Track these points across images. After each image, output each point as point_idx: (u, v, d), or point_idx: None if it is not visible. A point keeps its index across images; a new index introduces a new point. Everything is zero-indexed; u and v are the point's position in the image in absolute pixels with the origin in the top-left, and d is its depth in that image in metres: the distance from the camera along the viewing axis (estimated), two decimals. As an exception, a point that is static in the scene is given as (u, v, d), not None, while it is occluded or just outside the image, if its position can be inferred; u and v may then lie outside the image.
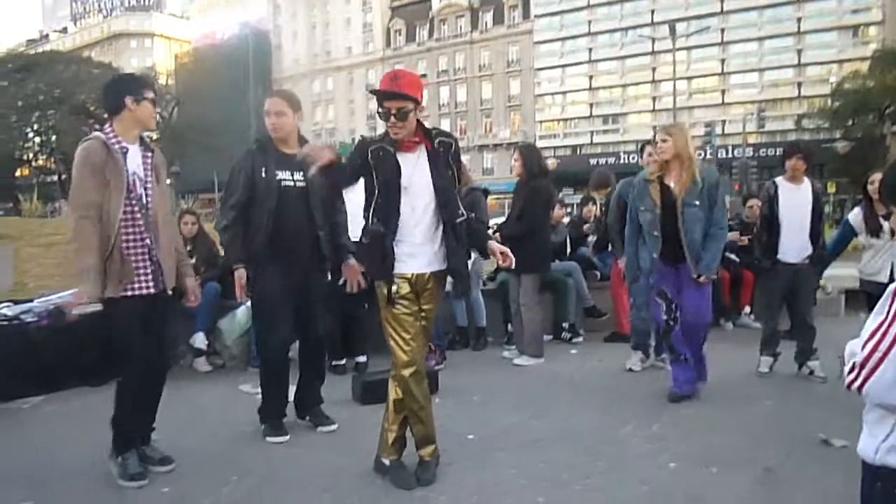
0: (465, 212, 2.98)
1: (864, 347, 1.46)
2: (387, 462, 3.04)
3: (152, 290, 3.03)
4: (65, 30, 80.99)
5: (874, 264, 4.59)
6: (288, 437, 3.58)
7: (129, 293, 2.96)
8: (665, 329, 4.30)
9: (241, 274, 3.56)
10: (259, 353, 3.75)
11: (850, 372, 1.49)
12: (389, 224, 2.86)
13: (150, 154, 3.13)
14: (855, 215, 4.75)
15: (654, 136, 4.50)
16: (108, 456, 3.07)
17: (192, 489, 2.93)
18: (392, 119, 2.82)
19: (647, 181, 4.30)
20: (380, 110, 2.83)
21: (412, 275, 2.91)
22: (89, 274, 2.90)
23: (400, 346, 2.92)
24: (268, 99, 3.68)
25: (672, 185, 4.20)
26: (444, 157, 2.93)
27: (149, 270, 3.03)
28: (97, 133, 3.05)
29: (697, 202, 4.13)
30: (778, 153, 4.84)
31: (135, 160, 3.05)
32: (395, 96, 2.80)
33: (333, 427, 3.75)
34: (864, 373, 1.45)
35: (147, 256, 3.03)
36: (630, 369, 4.98)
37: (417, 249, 2.91)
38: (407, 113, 2.81)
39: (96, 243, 2.92)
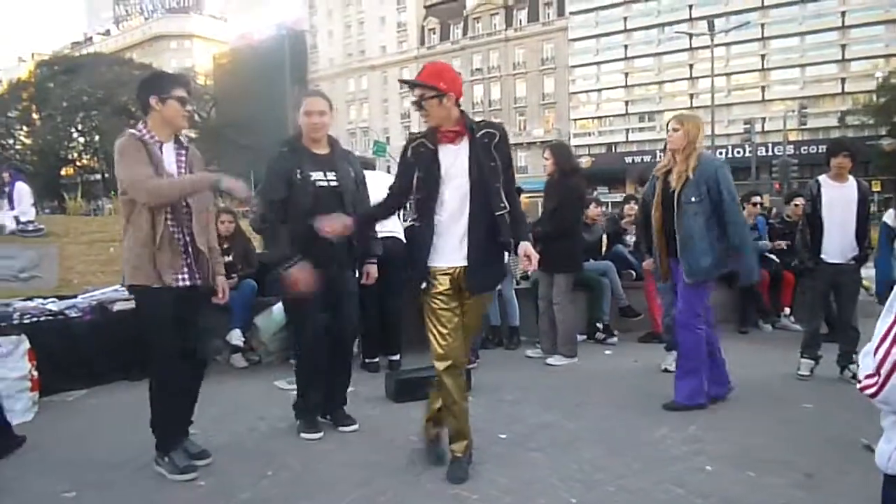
0: (506, 204, 2.94)
1: (876, 352, 1.37)
2: (421, 445, 3.23)
3: (188, 283, 3.07)
4: (107, 32, 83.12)
5: None
6: (322, 434, 3.61)
7: (166, 285, 2.98)
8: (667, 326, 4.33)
9: (296, 272, 3.46)
10: (295, 347, 3.79)
11: (865, 378, 1.40)
12: (426, 217, 2.91)
13: (184, 151, 3.16)
14: (889, 216, 4.66)
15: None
16: (155, 459, 3.11)
17: (228, 483, 2.98)
18: (416, 107, 2.96)
19: (655, 176, 4.24)
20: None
21: (453, 269, 2.92)
22: (191, 183, 3.05)
23: (436, 339, 2.94)
24: (308, 98, 3.69)
25: (672, 180, 4.06)
26: (487, 147, 2.91)
27: (184, 264, 3.07)
28: (131, 130, 3.07)
29: (694, 198, 3.92)
30: (820, 151, 4.76)
31: (169, 157, 3.08)
32: (415, 84, 2.92)
33: (355, 427, 3.75)
34: (879, 379, 1.37)
35: (183, 251, 3.06)
36: (666, 370, 4.84)
37: (458, 243, 2.91)
38: (429, 100, 2.87)
39: (161, 180, 2.95)
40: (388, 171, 5.63)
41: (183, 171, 3.12)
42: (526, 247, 2.94)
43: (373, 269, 4.03)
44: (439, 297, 2.91)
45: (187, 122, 3.22)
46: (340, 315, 3.69)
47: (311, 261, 3.51)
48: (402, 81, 2.95)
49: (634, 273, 6.59)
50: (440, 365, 2.96)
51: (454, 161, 2.90)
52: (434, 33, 58.93)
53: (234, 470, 3.14)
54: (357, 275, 3.99)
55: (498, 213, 2.91)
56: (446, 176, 2.89)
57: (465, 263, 2.91)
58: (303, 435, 3.61)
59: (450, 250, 2.91)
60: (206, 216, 3.24)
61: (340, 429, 3.75)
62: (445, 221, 2.91)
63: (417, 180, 2.95)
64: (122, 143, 3.00)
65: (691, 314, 4.02)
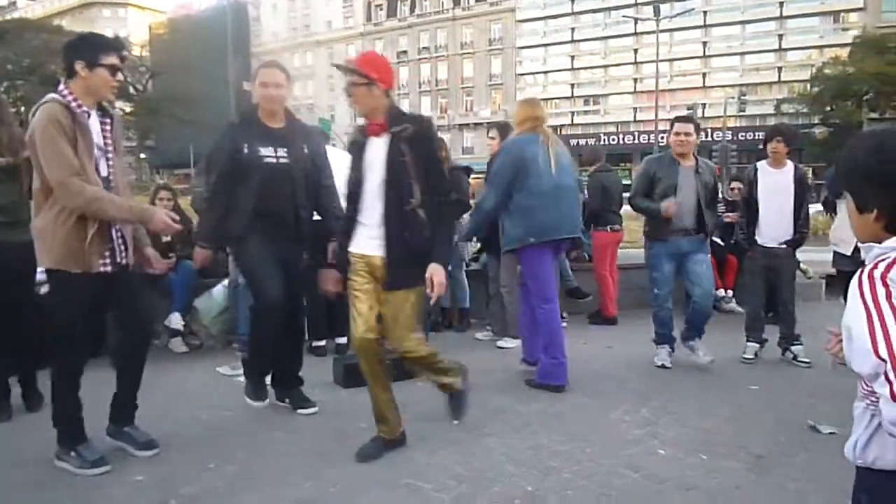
0: (417, 200, 2.86)
1: (876, 352, 1.16)
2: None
3: (109, 269, 2.86)
4: (35, -3, 78.60)
5: (839, 234, 4.81)
6: (266, 402, 3.56)
7: (92, 271, 2.79)
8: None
9: (199, 253, 3.61)
10: (252, 316, 3.59)
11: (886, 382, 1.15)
12: (350, 207, 3.05)
13: (108, 121, 2.92)
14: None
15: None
16: (57, 454, 2.91)
17: (169, 476, 2.82)
18: (347, 93, 2.94)
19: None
20: None
21: (365, 256, 2.97)
22: (131, 211, 2.84)
23: (353, 321, 2.99)
24: (264, 69, 3.52)
25: None
26: (398, 141, 2.87)
27: (107, 248, 2.85)
28: (53, 95, 2.75)
29: None
30: (758, 137, 4.92)
31: (94, 127, 2.84)
32: (348, 70, 2.91)
33: (314, 410, 3.66)
34: None
35: (109, 236, 2.86)
36: (662, 365, 4.61)
37: (373, 232, 2.93)
38: (358, 87, 2.87)
39: (115, 198, 2.78)
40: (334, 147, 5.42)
41: (108, 141, 2.89)
42: (433, 270, 2.84)
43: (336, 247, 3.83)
44: (354, 278, 2.99)
45: (116, 92, 3.00)
46: (289, 296, 3.54)
47: (261, 238, 3.37)
48: (336, 66, 3.00)
49: (588, 255, 6.60)
50: (355, 348, 3.03)
51: (375, 154, 2.92)
52: (381, 10, 58.05)
53: (175, 462, 2.98)
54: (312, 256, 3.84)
55: (407, 209, 2.85)
56: (367, 168, 2.94)
57: (379, 253, 2.92)
58: (248, 399, 3.56)
59: (365, 239, 2.97)
60: (129, 190, 3.11)
61: (299, 412, 3.64)
62: (365, 212, 2.97)
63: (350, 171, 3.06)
64: (47, 115, 2.69)
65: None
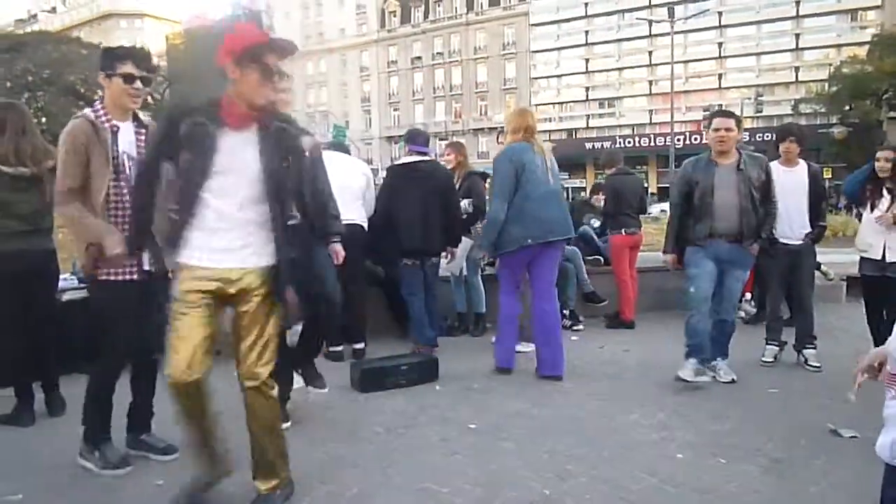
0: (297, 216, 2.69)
1: None
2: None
3: (135, 278, 2.91)
4: (53, 9, 79.82)
5: (868, 239, 4.60)
6: (288, 423, 3.45)
7: (117, 278, 2.87)
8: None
9: None
10: None
11: None
12: (190, 210, 2.39)
13: (143, 131, 2.99)
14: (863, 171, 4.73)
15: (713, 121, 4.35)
16: (81, 452, 2.98)
17: (186, 481, 2.83)
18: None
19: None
20: None
21: (214, 270, 2.43)
22: (105, 235, 2.77)
23: (172, 349, 2.42)
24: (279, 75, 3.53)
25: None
26: (278, 142, 2.49)
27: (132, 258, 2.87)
28: (86, 111, 2.92)
29: None
30: (775, 138, 4.83)
31: (126, 138, 2.93)
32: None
33: (324, 390, 3.70)
34: None
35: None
36: (682, 378, 4.12)
37: (231, 243, 2.44)
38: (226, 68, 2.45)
39: (89, 215, 2.82)
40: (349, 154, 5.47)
41: (142, 151, 2.92)
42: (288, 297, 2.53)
43: (338, 248, 3.83)
44: (183, 298, 2.44)
45: (137, 101, 3.00)
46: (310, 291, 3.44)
47: None
48: None
49: (603, 259, 6.59)
50: (170, 382, 2.42)
51: (237, 149, 2.46)
52: (395, 16, 58.31)
53: (192, 467, 2.99)
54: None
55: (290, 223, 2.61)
56: (226, 166, 2.42)
57: (240, 265, 2.46)
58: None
59: (210, 250, 2.43)
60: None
61: (310, 388, 3.66)
62: (217, 217, 2.45)
63: (183, 163, 2.44)
64: (67, 134, 2.85)
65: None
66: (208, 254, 2.42)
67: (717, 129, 4.24)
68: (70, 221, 2.88)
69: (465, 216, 5.52)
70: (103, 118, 2.88)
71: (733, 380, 4.24)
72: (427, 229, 4.93)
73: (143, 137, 2.98)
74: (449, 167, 5.63)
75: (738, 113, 4.86)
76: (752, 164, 4.25)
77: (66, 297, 4.64)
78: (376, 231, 5.09)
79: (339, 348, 5.02)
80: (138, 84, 2.95)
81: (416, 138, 5.25)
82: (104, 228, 2.80)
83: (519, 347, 5.26)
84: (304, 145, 3.24)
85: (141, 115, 3.05)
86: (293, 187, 2.63)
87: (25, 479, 2.87)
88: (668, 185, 31.21)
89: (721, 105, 41.08)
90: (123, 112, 2.96)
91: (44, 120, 42.08)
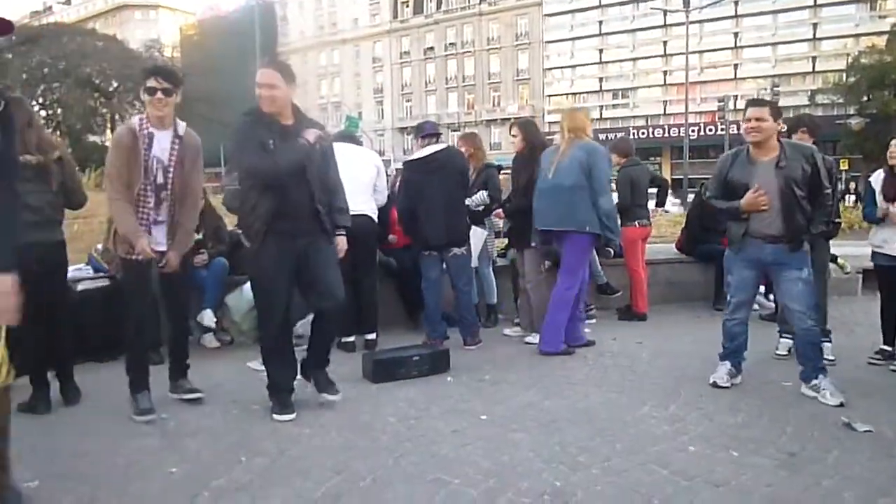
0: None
1: None
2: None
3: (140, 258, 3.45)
4: (68, 1, 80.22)
5: (882, 234, 4.56)
6: (294, 415, 3.52)
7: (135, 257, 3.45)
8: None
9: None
10: (259, 334, 3.69)
11: None
12: None
13: (178, 141, 3.51)
14: (876, 175, 4.68)
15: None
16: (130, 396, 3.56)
17: (200, 470, 2.87)
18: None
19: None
20: None
21: None
22: (135, 235, 3.41)
23: None
24: (259, 70, 3.55)
25: None
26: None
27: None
28: (133, 118, 3.54)
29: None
30: (786, 129, 4.71)
31: (161, 145, 3.46)
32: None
33: (338, 397, 3.69)
34: None
35: (149, 229, 3.49)
36: (715, 383, 4.00)
37: None
38: None
39: (131, 215, 3.43)
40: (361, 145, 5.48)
41: (173, 159, 3.49)
42: None
43: (342, 241, 3.82)
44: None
45: (161, 109, 3.45)
46: (325, 281, 3.55)
47: (276, 241, 3.41)
48: None
49: (613, 252, 6.54)
50: None
51: None
52: (407, 6, 58.07)
53: (206, 455, 3.03)
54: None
55: None
56: None
57: None
58: (275, 416, 3.51)
59: None
60: (196, 203, 3.78)
61: (323, 395, 3.68)
62: None
63: None
64: (115, 138, 3.58)
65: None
66: None
67: (748, 119, 3.84)
68: (115, 214, 3.50)
69: (482, 208, 5.51)
70: (142, 127, 3.43)
71: (842, 403, 3.64)
72: (450, 220, 4.94)
73: (176, 147, 3.50)
74: (463, 160, 5.63)
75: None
76: (794, 158, 3.80)
77: (80, 287, 4.70)
78: (405, 227, 5.21)
79: (351, 339, 5.04)
80: (159, 95, 3.43)
81: (424, 127, 5.25)
82: (138, 231, 3.42)
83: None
84: (309, 136, 3.29)
85: (181, 127, 3.58)
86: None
87: (42, 466, 2.91)
88: (681, 177, 31.01)
89: (736, 96, 40.77)
90: (158, 121, 3.46)
91: (59, 111, 42.47)
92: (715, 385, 3.99)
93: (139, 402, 3.51)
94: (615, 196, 5.64)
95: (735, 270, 4.04)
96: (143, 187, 3.43)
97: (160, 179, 3.47)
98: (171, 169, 3.49)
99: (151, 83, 3.44)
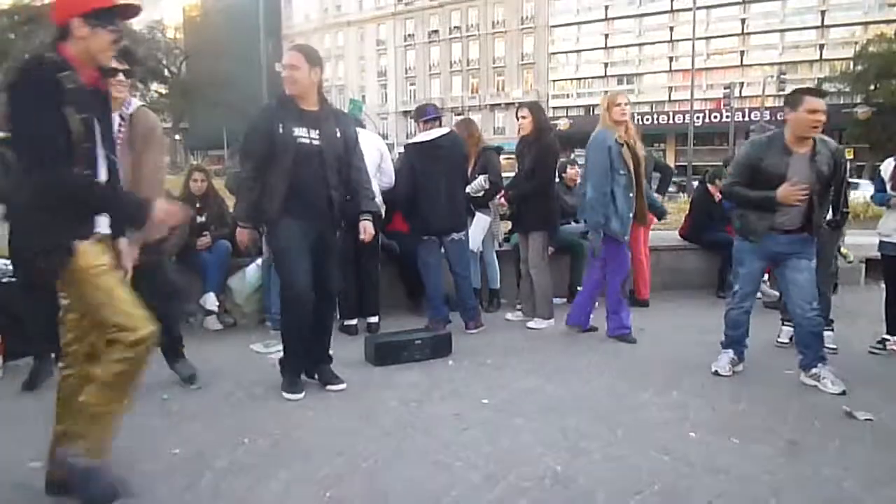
0: None
1: None
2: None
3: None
4: (72, -20, 79.68)
5: (890, 224, 4.53)
6: (303, 394, 3.57)
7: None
8: None
9: (241, 233, 3.69)
10: (281, 307, 3.69)
11: None
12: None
13: (123, 123, 3.22)
14: (886, 165, 4.65)
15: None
16: None
17: (203, 451, 2.88)
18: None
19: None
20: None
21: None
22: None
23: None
24: (286, 52, 3.59)
25: None
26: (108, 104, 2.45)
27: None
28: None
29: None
30: None
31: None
32: None
33: (342, 386, 3.71)
34: None
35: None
36: (716, 372, 4.01)
37: None
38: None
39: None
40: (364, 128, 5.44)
41: (120, 142, 3.05)
42: None
43: (369, 226, 3.82)
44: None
45: (121, 91, 3.23)
46: (323, 273, 3.62)
47: (294, 221, 3.43)
48: None
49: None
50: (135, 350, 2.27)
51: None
52: (412, -11, 57.61)
53: (209, 436, 3.05)
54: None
55: None
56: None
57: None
58: (284, 394, 3.56)
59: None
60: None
61: (328, 387, 3.70)
62: None
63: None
64: None
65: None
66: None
67: (813, 111, 3.60)
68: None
69: (482, 192, 5.49)
70: None
71: (843, 391, 3.66)
72: (452, 206, 4.93)
73: (123, 128, 3.24)
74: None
75: (759, 91, 4.67)
76: (823, 152, 3.73)
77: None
78: (404, 210, 5.16)
79: (353, 322, 5.05)
80: (120, 76, 3.18)
81: (427, 110, 5.21)
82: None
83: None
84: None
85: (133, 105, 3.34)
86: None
87: (44, 447, 2.91)
88: (685, 164, 30.87)
89: (742, 83, 40.49)
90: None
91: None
92: (717, 374, 3.99)
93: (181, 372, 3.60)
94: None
95: (747, 262, 3.96)
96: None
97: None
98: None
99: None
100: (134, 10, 2.40)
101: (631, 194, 4.66)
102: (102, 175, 2.31)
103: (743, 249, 3.98)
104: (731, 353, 4.09)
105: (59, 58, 2.19)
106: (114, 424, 2.37)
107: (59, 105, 2.12)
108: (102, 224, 2.34)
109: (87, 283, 2.23)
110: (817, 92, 3.86)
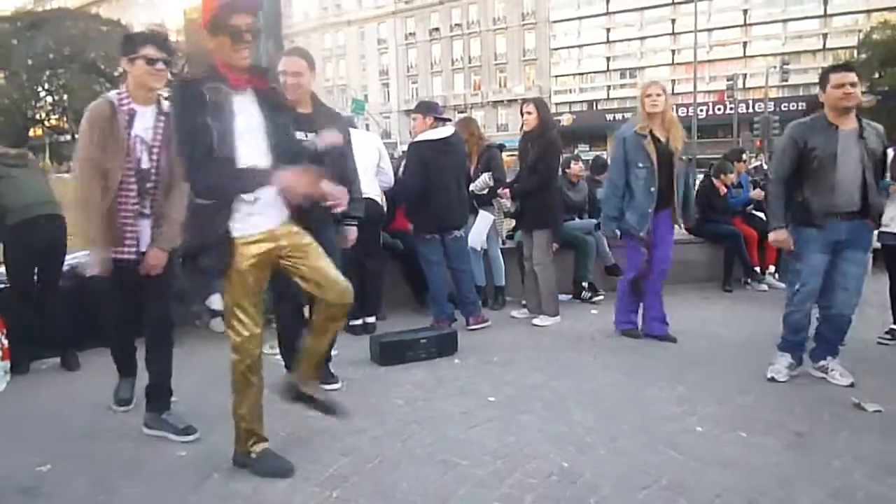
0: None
1: None
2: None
3: (133, 257, 3.03)
4: (72, -14, 79.95)
5: (888, 213, 4.46)
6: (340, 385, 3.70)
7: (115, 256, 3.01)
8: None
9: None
10: (275, 314, 3.70)
11: None
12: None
13: (163, 118, 3.01)
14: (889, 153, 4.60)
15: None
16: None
17: (209, 454, 2.89)
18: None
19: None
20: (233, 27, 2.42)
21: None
22: (95, 242, 2.98)
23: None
24: (284, 57, 3.54)
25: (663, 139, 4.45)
26: (276, 97, 2.69)
27: (131, 238, 3.01)
28: (110, 93, 3.05)
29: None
30: (802, 107, 4.58)
31: (144, 123, 2.99)
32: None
33: (337, 386, 3.70)
34: None
35: (132, 224, 3.00)
36: (772, 378, 3.75)
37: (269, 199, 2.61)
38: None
39: (98, 200, 2.94)
40: (367, 129, 5.44)
41: (159, 137, 3.00)
42: None
43: (352, 232, 3.85)
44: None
45: (160, 81, 3.05)
46: None
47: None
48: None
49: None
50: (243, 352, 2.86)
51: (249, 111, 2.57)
52: (412, -13, 57.51)
53: (216, 437, 3.04)
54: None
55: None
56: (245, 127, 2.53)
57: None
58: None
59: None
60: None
61: (323, 387, 3.67)
62: None
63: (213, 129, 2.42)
64: (88, 112, 2.98)
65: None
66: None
67: (839, 85, 3.54)
68: (82, 189, 2.97)
69: (485, 190, 5.48)
70: (124, 101, 2.97)
71: (852, 383, 3.61)
72: (459, 203, 5.01)
73: (161, 125, 3.01)
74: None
75: (762, 82, 4.69)
76: (871, 133, 3.63)
77: (90, 272, 4.71)
78: (412, 207, 5.13)
79: (359, 322, 5.04)
80: (160, 65, 3.02)
81: (434, 107, 5.20)
82: (99, 240, 2.97)
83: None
84: (324, 140, 3.21)
85: (165, 104, 3.07)
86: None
87: (53, 448, 2.94)
88: (689, 157, 30.76)
89: (745, 74, 40.27)
90: (146, 95, 3.02)
91: (65, 97, 42.46)
92: (773, 380, 3.72)
93: (119, 391, 3.41)
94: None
95: (808, 255, 3.63)
96: (124, 174, 2.93)
97: (144, 164, 2.97)
98: (157, 151, 2.99)
99: (150, 51, 2.97)
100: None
101: (653, 188, 4.46)
102: None
103: (806, 240, 3.64)
104: (788, 357, 3.80)
105: None
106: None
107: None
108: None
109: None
110: (843, 66, 3.77)
